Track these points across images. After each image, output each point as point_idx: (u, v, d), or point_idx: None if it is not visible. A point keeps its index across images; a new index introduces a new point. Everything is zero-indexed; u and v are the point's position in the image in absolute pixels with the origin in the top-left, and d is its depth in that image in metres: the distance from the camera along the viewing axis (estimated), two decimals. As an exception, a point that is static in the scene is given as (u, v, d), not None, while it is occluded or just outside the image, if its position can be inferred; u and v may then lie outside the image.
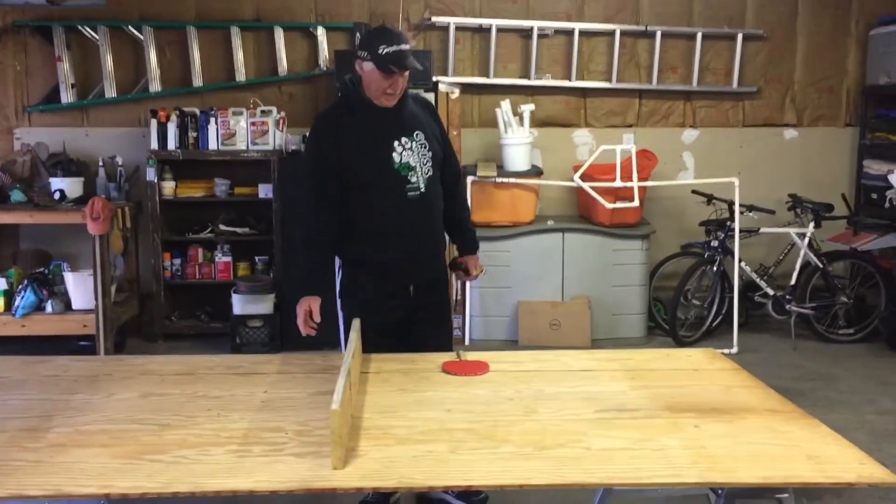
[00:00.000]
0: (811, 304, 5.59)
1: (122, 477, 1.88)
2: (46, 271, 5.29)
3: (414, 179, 2.93)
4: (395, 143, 2.92)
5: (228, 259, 5.67)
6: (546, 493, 3.43)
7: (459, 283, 5.39)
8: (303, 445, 2.09)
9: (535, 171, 5.68)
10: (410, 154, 2.93)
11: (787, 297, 5.56)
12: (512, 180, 5.50)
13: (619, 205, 5.48)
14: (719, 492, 2.13)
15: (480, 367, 2.76)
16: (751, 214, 5.48)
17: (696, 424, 2.25)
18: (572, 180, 5.57)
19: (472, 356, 2.87)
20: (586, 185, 5.49)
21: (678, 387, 2.57)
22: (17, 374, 2.65)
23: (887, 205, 5.53)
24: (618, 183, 5.41)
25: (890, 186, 5.51)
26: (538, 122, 5.89)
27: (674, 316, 5.50)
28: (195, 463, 1.98)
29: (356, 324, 2.77)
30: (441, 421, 2.27)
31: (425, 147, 2.97)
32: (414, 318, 3.09)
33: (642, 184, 5.46)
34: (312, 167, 2.96)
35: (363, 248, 3.00)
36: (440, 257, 3.17)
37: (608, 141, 5.66)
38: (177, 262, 5.67)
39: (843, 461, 2.03)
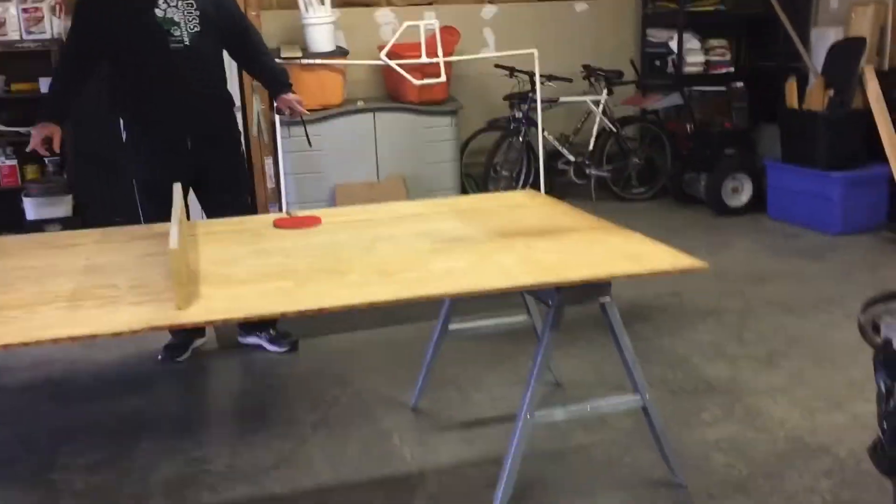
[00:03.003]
0: (608, 167, 6.00)
1: (-59, 338, 1.73)
2: None
3: (177, 34, 3.12)
4: (161, 1, 3.09)
5: (13, 163, 5.17)
6: (382, 336, 3.59)
7: (273, 171, 5.32)
8: (139, 296, 2.01)
9: (341, 52, 5.59)
10: (175, 11, 3.11)
11: (587, 162, 5.92)
12: (318, 62, 5.38)
13: (426, 81, 5.52)
14: (550, 302, 2.28)
15: (313, 221, 2.75)
16: (550, 84, 5.72)
17: (527, 244, 2.38)
18: (379, 60, 5.53)
19: (302, 213, 2.85)
20: (393, 63, 5.47)
21: (506, 219, 2.70)
22: None
23: (669, 69, 5.96)
24: (424, 59, 5.43)
25: (671, 52, 5.93)
26: (340, 2, 5.75)
27: (485, 188, 5.70)
28: (24, 320, 1.85)
29: (178, 187, 2.66)
30: (283, 265, 2.26)
31: (192, 6, 3.15)
32: (202, 178, 3.30)
33: (448, 59, 5.52)
34: (74, 21, 3.22)
35: (136, 104, 3.22)
36: (219, 113, 3.37)
37: (410, 20, 5.64)
38: (-49, 170, 5.11)
39: (658, 257, 2.25)
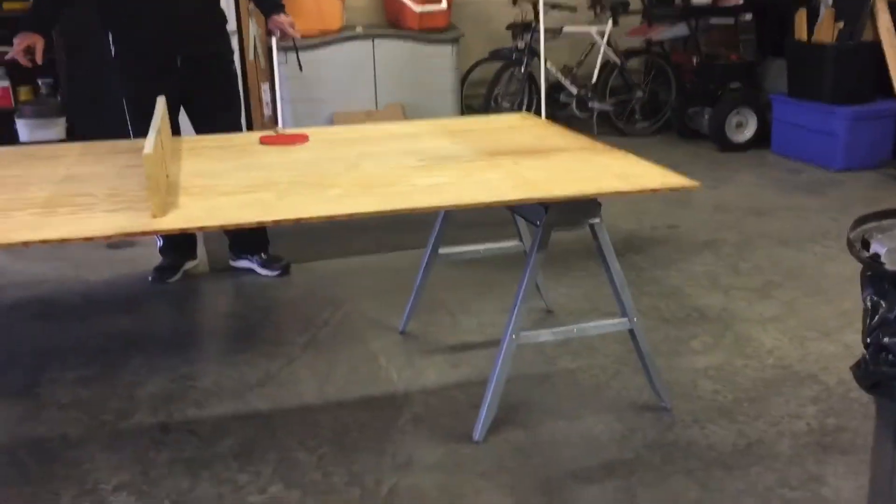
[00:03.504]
0: (611, 100, 5.89)
1: None
2: None
3: None
4: None
5: (6, 84, 5.10)
6: (378, 264, 3.57)
7: (269, 97, 5.25)
8: (115, 204, 1.97)
9: (339, -24, 5.45)
10: None
11: (589, 95, 5.81)
12: (316, -16, 5.25)
13: (426, 8, 5.40)
14: (538, 223, 2.23)
15: (300, 139, 2.70)
16: (554, 13, 5.58)
17: (515, 162, 2.33)
18: (378, -16, 5.40)
19: (290, 131, 2.80)
20: (393, -12, 5.34)
21: (496, 139, 2.64)
22: None
23: (677, 1, 5.80)
24: (424, -15, 5.30)
25: (680, -18, 5.77)
26: (339, -77, 5.57)
27: (485, 119, 5.61)
28: (-5, 224, 1.82)
29: (161, 99, 2.60)
30: (266, 178, 2.21)
31: None
32: (192, 97, 3.24)
33: (449, -15, 5.38)
34: None
35: (123, 19, 3.12)
36: (209, 30, 3.28)
37: (411, -57, 5.48)
38: (-57, 91, 5.05)
39: (648, 176, 2.19)
